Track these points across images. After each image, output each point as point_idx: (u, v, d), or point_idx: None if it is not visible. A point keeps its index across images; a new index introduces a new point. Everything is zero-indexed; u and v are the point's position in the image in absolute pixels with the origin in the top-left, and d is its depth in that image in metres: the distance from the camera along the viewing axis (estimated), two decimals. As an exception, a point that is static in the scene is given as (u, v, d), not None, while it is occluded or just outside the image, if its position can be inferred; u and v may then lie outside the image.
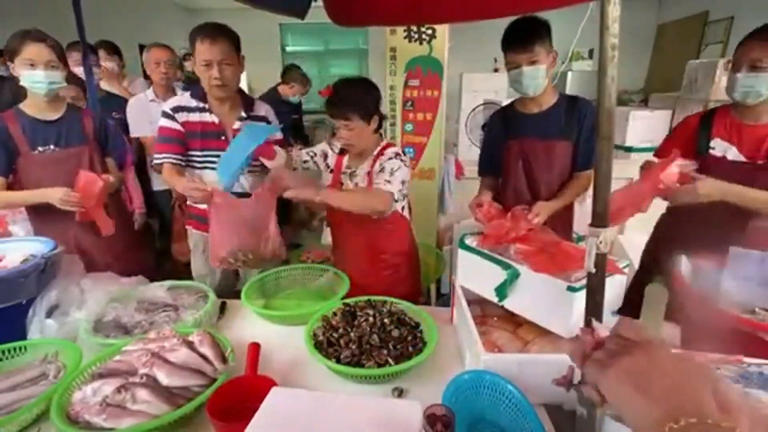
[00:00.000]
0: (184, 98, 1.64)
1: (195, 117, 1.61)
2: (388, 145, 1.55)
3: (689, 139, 1.48)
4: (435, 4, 1.85)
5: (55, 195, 1.51)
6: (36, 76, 1.51)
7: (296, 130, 3.74)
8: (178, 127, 1.60)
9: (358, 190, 1.53)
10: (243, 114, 1.65)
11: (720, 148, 1.41)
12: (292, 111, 3.53)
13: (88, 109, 1.82)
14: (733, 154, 1.39)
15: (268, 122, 1.73)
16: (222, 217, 1.47)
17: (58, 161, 1.62)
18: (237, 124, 1.63)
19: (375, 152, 1.54)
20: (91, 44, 2.50)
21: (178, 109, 1.61)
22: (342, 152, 1.63)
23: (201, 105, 1.61)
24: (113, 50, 2.76)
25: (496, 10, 1.69)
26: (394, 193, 1.44)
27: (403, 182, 1.47)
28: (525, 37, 1.42)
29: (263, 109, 1.74)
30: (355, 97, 1.45)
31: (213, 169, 1.64)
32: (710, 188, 1.25)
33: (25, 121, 1.59)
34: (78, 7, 1.78)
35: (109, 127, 1.81)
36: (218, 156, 1.62)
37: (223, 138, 1.62)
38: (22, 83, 1.53)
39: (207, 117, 1.61)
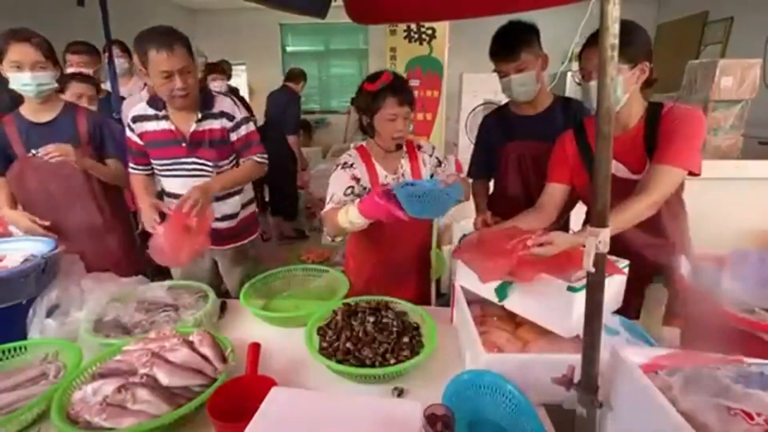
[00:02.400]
0: (141, 107, 1.59)
1: (152, 126, 1.56)
2: (410, 140, 1.54)
3: (573, 158, 1.36)
4: (449, 1, 1.85)
5: (20, 223, 1.55)
6: (23, 79, 1.47)
7: (303, 124, 4.41)
8: (136, 139, 1.58)
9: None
10: (199, 115, 1.55)
11: None
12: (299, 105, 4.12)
13: (83, 108, 1.77)
14: (618, 169, 1.28)
15: (231, 118, 1.59)
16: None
17: (51, 164, 1.56)
18: (192, 127, 1.55)
19: (404, 149, 1.52)
20: (92, 45, 2.50)
21: (136, 119, 1.57)
22: (367, 158, 1.48)
23: (159, 113, 1.55)
24: (122, 49, 2.71)
25: (505, 6, 1.68)
26: None
27: None
28: (510, 45, 1.42)
29: (223, 105, 1.60)
30: (410, 89, 1.41)
31: (175, 176, 1.61)
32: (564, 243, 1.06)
33: (22, 125, 1.58)
34: (105, 9, 1.75)
35: (106, 127, 1.75)
36: (181, 163, 1.58)
37: (183, 144, 1.56)
38: (10, 86, 1.49)
39: (163, 124, 1.55)
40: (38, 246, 1.41)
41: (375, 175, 1.46)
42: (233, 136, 1.61)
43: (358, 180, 1.44)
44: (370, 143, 1.50)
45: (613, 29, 0.63)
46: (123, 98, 2.57)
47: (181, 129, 1.56)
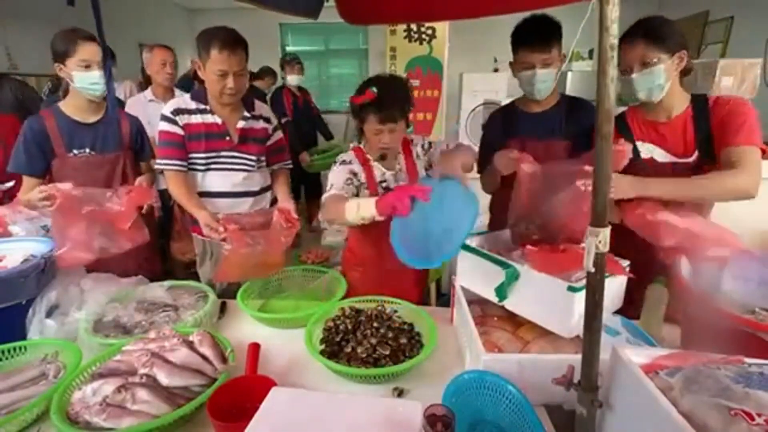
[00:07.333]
0: (183, 100, 1.61)
1: (197, 119, 1.58)
2: (404, 137, 1.51)
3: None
4: (443, 1, 1.84)
5: (33, 196, 1.43)
6: (93, 78, 1.50)
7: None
8: (179, 131, 1.57)
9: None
10: (246, 113, 1.64)
11: (645, 150, 1.38)
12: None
13: (124, 111, 1.80)
14: (660, 154, 1.36)
15: (269, 121, 1.73)
16: (235, 251, 1.42)
17: (92, 166, 1.59)
18: (241, 123, 1.62)
19: (399, 146, 1.50)
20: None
21: (178, 111, 1.57)
22: (364, 159, 1.48)
23: (202, 106, 1.59)
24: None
25: (501, 7, 1.67)
26: None
27: None
28: (544, 36, 1.37)
29: (262, 109, 1.72)
30: (401, 98, 1.35)
31: (216, 170, 1.63)
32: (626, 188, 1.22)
33: (63, 122, 1.56)
34: (97, 10, 1.76)
35: (143, 131, 1.80)
36: (222, 156, 1.61)
37: (227, 138, 1.61)
38: (75, 85, 1.51)
39: (209, 118, 1.58)
40: (38, 246, 1.41)
41: (371, 175, 1.47)
42: (270, 140, 1.74)
43: (355, 174, 1.46)
44: (365, 145, 1.51)
45: (612, 30, 0.63)
46: (119, 99, 2.58)
47: (228, 124, 1.60)
